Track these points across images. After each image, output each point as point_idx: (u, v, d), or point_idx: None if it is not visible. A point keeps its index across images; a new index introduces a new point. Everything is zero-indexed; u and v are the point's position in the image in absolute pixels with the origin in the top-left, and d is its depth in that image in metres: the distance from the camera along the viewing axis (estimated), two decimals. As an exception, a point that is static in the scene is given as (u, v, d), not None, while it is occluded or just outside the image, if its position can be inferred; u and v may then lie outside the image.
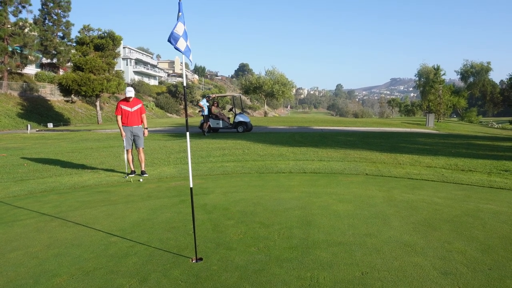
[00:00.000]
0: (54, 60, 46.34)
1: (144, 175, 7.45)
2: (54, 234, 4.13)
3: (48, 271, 3.20)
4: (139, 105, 7.59)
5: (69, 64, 43.20)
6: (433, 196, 5.40)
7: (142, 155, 7.63)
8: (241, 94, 32.09)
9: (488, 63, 69.57)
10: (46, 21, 44.38)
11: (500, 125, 52.98)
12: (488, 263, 3.15)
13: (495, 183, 6.31)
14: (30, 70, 44.17)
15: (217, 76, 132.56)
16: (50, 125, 32.22)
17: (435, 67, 46.59)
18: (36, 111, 37.62)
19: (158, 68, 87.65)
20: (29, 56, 38.32)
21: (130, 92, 7.39)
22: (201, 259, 3.33)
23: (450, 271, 3.00)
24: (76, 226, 4.41)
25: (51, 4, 43.95)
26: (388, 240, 3.67)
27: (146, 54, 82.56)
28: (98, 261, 3.37)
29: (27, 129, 26.39)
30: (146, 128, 7.73)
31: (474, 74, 70.26)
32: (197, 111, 57.84)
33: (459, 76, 73.00)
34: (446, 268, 3.06)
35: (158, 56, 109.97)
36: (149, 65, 78.63)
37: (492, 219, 4.31)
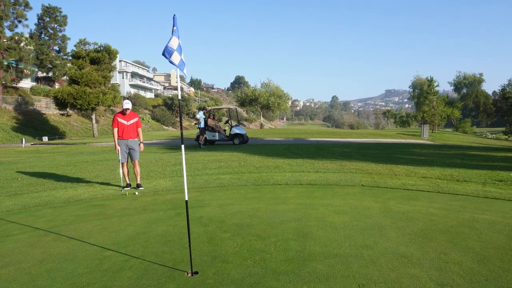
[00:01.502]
0: (50, 74, 46.40)
1: (140, 188, 7.41)
2: (47, 249, 4.08)
3: (41, 287, 3.15)
4: (136, 119, 7.60)
5: (64, 77, 43.29)
6: (428, 207, 5.41)
7: (137, 168, 7.60)
8: (237, 107, 32.24)
9: (481, 74, 70.53)
10: (42, 35, 44.60)
11: (494, 135, 53.43)
12: (484, 274, 3.14)
13: (490, 193, 6.34)
14: (26, 84, 44.16)
15: (213, 88, 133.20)
16: (45, 139, 32.05)
17: (429, 78, 47.18)
18: (31, 124, 37.45)
19: (154, 81, 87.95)
20: (25, 70, 38.35)
21: (128, 104, 7.40)
22: (196, 272, 3.30)
23: (446, 283, 2.99)
24: (70, 240, 4.36)
25: (48, 19, 44.24)
26: (385, 252, 3.66)
27: (142, 67, 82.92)
28: (92, 276, 3.32)
29: (22, 143, 26.24)
30: (142, 142, 7.72)
31: (467, 85, 71.13)
32: (193, 124, 57.92)
33: (452, 87, 73.87)
34: (443, 279, 3.05)
35: (154, 69, 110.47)
36: (145, 78, 78.88)
37: (487, 229, 4.31)
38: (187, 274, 3.27)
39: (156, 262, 3.57)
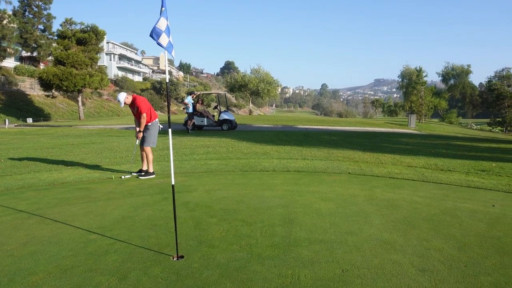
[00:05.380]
0: (35, 54, 45.17)
1: (141, 177, 7.00)
2: (31, 232, 4.03)
3: (24, 269, 3.12)
4: (136, 107, 7.17)
5: (50, 58, 42.18)
6: (413, 195, 5.50)
7: (143, 154, 7.26)
8: (226, 92, 32.00)
9: (468, 66, 71.52)
10: (26, 13, 43.19)
11: (478, 126, 54.47)
12: (464, 260, 3.23)
13: (473, 182, 6.48)
14: (9, 63, 42.93)
15: (202, 73, 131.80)
16: (30, 120, 31.42)
17: (418, 68, 47.58)
18: (15, 105, 36.58)
19: (143, 64, 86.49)
20: (8, 49, 37.28)
21: (120, 97, 7.03)
22: (182, 256, 3.31)
23: (427, 268, 3.06)
24: (55, 223, 4.31)
25: (32, -4, 42.78)
26: (369, 238, 3.72)
27: (131, 49, 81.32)
28: (77, 258, 3.30)
29: (5, 124, 25.67)
30: (139, 131, 7.20)
31: (455, 77, 72.07)
32: (181, 108, 57.37)
33: (440, 78, 74.80)
34: (424, 265, 3.12)
35: (142, 52, 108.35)
36: (133, 61, 77.47)
37: (468, 218, 4.42)
38: (173, 258, 3.28)
39: (141, 246, 3.57)
